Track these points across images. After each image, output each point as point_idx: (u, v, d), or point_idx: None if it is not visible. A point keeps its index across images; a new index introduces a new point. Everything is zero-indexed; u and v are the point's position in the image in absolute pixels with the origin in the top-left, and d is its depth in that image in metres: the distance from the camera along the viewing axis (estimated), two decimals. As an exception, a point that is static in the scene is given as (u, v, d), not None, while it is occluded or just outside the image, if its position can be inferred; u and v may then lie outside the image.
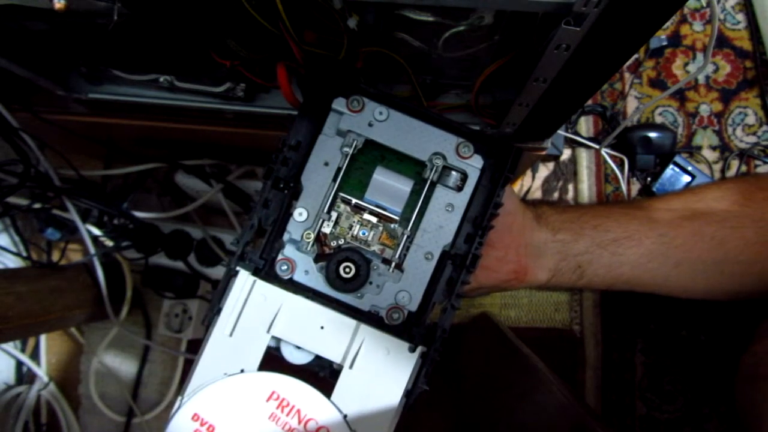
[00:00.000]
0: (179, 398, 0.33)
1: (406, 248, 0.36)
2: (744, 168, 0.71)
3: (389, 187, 0.36)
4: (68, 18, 0.32)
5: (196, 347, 0.35)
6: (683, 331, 0.68)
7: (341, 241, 0.37)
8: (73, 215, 0.62)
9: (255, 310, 0.35)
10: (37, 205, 0.59)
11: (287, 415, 0.33)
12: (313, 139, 0.37)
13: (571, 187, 0.73)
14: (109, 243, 0.69)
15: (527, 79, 0.34)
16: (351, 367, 0.34)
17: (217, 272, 0.70)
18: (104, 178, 0.74)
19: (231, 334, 0.34)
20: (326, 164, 0.36)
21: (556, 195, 0.73)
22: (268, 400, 0.33)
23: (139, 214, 0.67)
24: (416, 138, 0.36)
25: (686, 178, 0.70)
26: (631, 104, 0.74)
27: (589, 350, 0.69)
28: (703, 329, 0.67)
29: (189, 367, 0.38)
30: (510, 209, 0.46)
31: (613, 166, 0.71)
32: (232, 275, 0.35)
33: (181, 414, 0.33)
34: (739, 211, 0.49)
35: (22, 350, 0.78)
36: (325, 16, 0.34)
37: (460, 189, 0.36)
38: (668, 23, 0.74)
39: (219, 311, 0.35)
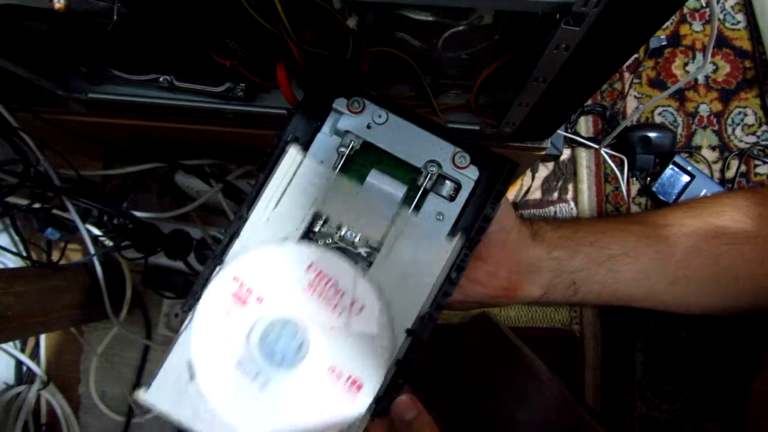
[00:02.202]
0: (218, 266, 0.35)
1: None
2: (743, 168, 0.71)
3: (382, 191, 0.36)
4: (68, 18, 0.32)
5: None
6: (683, 331, 0.68)
7: (328, 241, 0.37)
8: (73, 215, 0.62)
9: (300, 187, 0.36)
10: (36, 205, 0.58)
11: (325, 285, 0.34)
12: (311, 137, 0.37)
13: (570, 186, 0.73)
14: (109, 243, 0.68)
15: (527, 79, 0.34)
16: (390, 249, 0.35)
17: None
18: (104, 178, 0.74)
19: (275, 207, 0.35)
20: (321, 162, 0.36)
21: (555, 195, 0.73)
22: (307, 270, 0.34)
23: (138, 214, 0.67)
24: (413, 144, 0.36)
25: (686, 178, 0.70)
26: (631, 104, 0.74)
27: (589, 350, 0.69)
28: (703, 330, 0.67)
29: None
30: (505, 225, 0.45)
31: (613, 165, 0.71)
32: (283, 151, 0.36)
33: (223, 274, 0.34)
34: (738, 228, 0.48)
35: (22, 350, 0.78)
36: (325, 16, 0.34)
37: (452, 199, 0.36)
38: (668, 23, 0.74)
39: (245, 220, 0.35)
